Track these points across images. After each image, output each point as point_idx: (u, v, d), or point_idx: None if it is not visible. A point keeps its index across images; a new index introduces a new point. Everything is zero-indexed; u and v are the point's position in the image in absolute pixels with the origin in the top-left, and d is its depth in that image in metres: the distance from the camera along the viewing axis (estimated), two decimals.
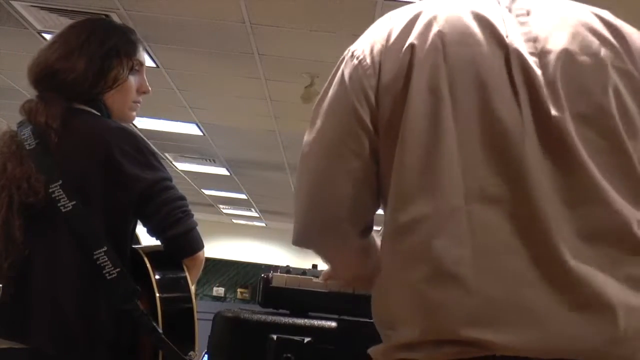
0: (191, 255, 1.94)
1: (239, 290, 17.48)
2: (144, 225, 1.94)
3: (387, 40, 1.31)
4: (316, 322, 1.95)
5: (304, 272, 2.09)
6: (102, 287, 1.84)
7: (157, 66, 6.26)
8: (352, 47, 1.36)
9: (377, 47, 1.31)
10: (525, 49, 1.27)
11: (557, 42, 1.28)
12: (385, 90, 1.29)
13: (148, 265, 1.91)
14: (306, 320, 1.95)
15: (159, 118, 8.05)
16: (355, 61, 1.32)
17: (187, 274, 1.93)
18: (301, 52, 5.66)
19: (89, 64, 1.95)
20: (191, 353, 1.89)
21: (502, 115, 1.24)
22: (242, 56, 5.85)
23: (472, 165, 1.24)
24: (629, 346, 1.21)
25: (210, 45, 5.71)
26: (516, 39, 1.28)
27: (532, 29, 1.29)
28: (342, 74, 1.33)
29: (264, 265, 10.67)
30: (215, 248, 15.71)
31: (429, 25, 1.29)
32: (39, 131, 1.90)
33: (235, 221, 17.18)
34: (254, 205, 14.05)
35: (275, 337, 1.88)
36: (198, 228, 1.96)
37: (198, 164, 10.56)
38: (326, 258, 1.47)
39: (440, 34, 1.28)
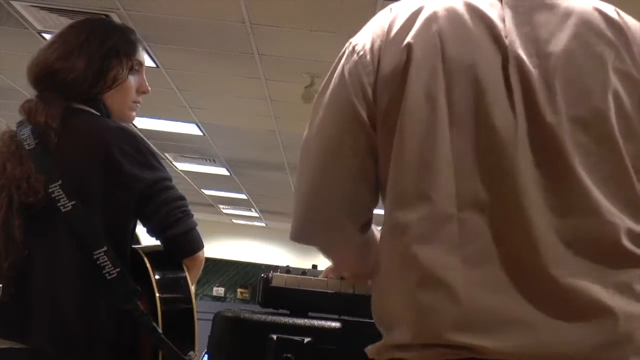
0: (191, 255, 1.94)
1: (239, 290, 17.48)
2: (144, 225, 1.94)
3: (388, 35, 1.32)
4: (316, 322, 1.94)
5: (304, 272, 2.08)
6: (102, 287, 1.84)
7: (157, 66, 6.26)
8: (353, 41, 1.37)
9: (377, 43, 1.32)
10: (523, 51, 1.26)
11: (557, 42, 1.28)
12: (382, 86, 1.29)
13: (148, 265, 1.90)
14: (306, 320, 1.95)
15: (159, 118, 8.06)
16: (356, 57, 1.33)
17: (187, 274, 1.93)
18: (301, 52, 5.65)
19: (88, 64, 1.95)
20: (191, 353, 1.89)
21: (496, 123, 1.24)
22: (242, 56, 5.85)
23: (465, 172, 1.24)
24: (621, 350, 1.21)
25: (210, 45, 5.71)
26: (515, 40, 1.27)
27: (532, 28, 1.29)
28: (343, 69, 1.34)
29: (264, 265, 10.68)
30: (215, 248, 15.71)
31: (429, 23, 1.29)
32: (38, 131, 1.90)
33: (235, 221, 17.18)
34: (254, 205, 14.05)
35: (275, 337, 1.87)
36: (198, 228, 1.97)
37: (198, 164, 10.57)
38: (326, 253, 1.48)
39: (439, 32, 1.28)
